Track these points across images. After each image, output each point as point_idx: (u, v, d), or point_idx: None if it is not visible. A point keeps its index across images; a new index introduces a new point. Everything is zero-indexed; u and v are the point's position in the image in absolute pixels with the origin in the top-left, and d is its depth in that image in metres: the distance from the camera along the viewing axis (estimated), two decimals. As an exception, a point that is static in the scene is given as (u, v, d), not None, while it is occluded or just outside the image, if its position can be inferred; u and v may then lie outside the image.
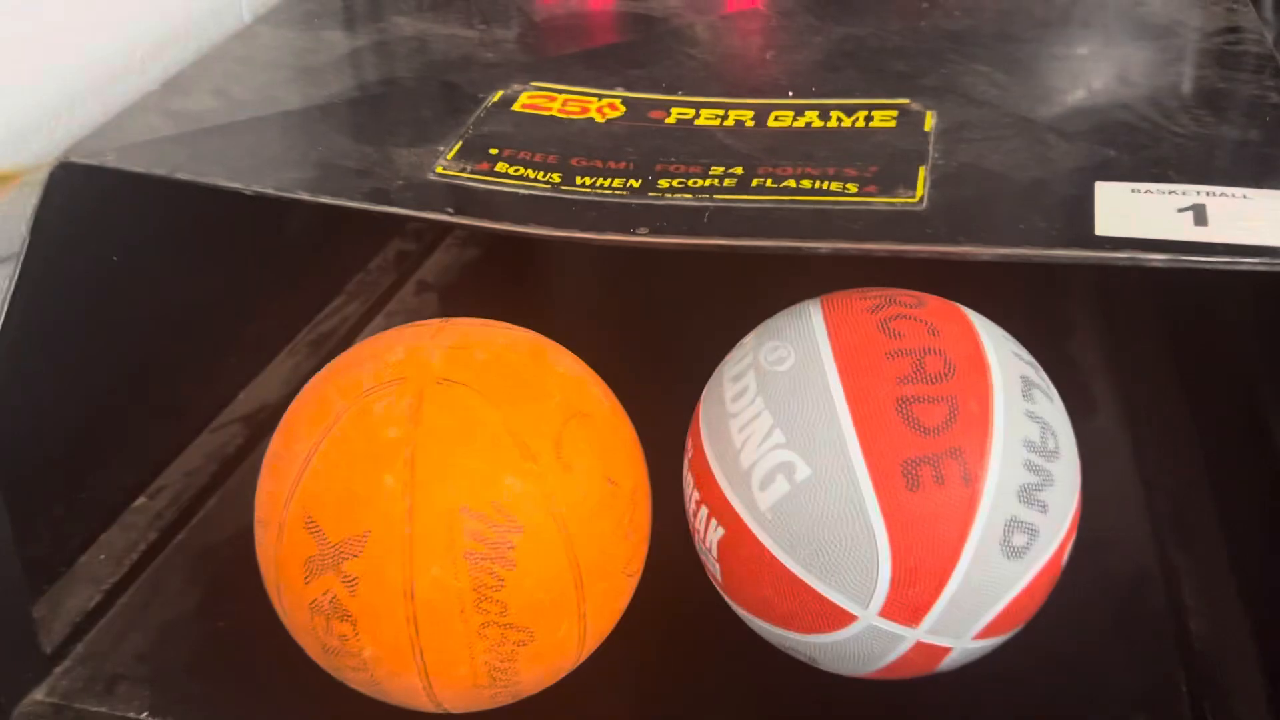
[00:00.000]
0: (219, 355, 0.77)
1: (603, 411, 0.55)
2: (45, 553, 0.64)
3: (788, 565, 0.50)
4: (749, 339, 0.57)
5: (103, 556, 0.66)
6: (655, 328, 0.87)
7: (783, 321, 0.56)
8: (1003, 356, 0.52)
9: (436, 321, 0.57)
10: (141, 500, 0.70)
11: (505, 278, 0.94)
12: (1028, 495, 0.50)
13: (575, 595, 0.51)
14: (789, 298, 0.58)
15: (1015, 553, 0.50)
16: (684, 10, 0.76)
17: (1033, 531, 0.50)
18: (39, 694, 0.59)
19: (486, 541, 0.49)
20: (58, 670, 0.60)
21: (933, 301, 0.55)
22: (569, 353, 0.58)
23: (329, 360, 0.81)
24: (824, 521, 0.49)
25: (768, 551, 0.51)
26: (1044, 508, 0.50)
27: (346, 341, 0.85)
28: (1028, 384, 0.52)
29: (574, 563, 0.51)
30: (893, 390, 0.50)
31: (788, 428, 0.50)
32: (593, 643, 0.55)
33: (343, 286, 0.90)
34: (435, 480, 0.49)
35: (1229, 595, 0.61)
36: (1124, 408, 0.76)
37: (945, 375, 0.50)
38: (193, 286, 0.73)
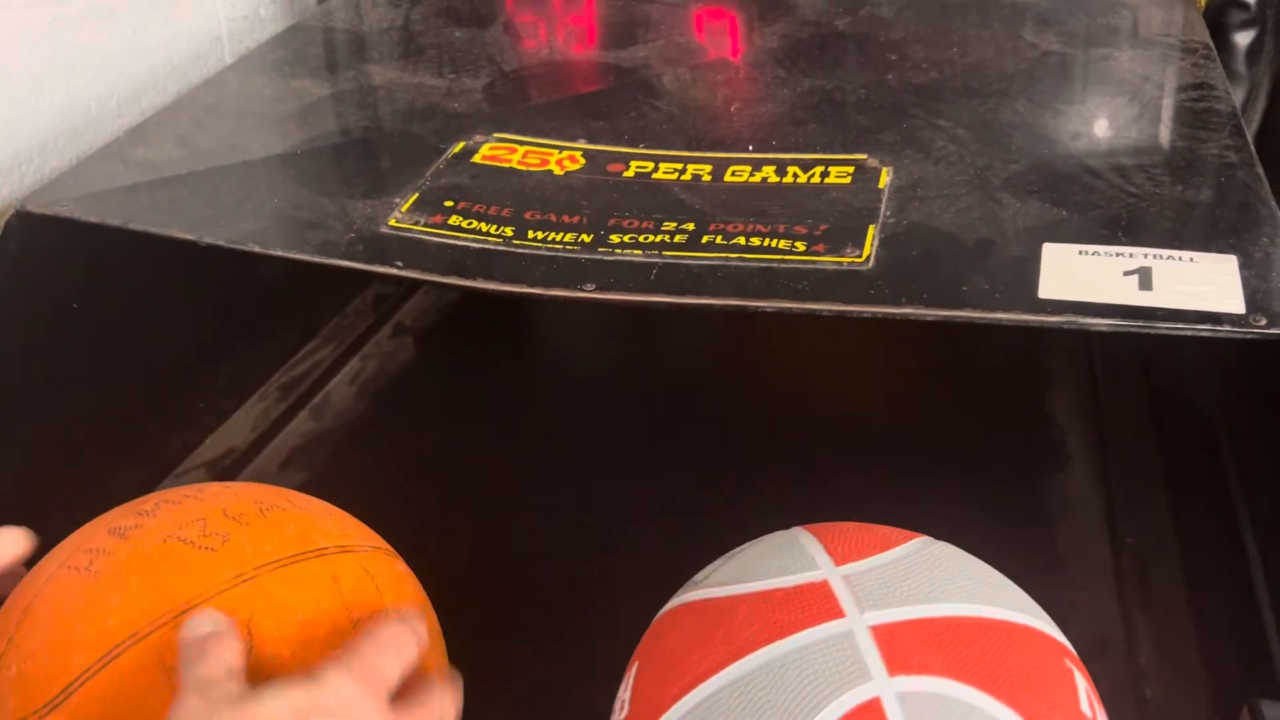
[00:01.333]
0: (187, 399, 0.77)
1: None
2: None
3: None
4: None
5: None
6: (636, 367, 0.87)
7: None
8: None
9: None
10: (100, 546, 0.69)
11: (484, 322, 0.94)
12: None
13: None
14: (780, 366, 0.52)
15: None
16: (655, 61, 0.76)
17: None
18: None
19: None
20: None
21: None
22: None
23: (299, 405, 0.84)
24: None
25: None
26: None
27: (319, 385, 0.85)
28: None
29: None
30: None
31: None
32: None
33: (319, 329, 0.90)
34: None
35: (1189, 660, 0.60)
36: (1097, 464, 0.75)
37: None
38: (160, 331, 0.73)
